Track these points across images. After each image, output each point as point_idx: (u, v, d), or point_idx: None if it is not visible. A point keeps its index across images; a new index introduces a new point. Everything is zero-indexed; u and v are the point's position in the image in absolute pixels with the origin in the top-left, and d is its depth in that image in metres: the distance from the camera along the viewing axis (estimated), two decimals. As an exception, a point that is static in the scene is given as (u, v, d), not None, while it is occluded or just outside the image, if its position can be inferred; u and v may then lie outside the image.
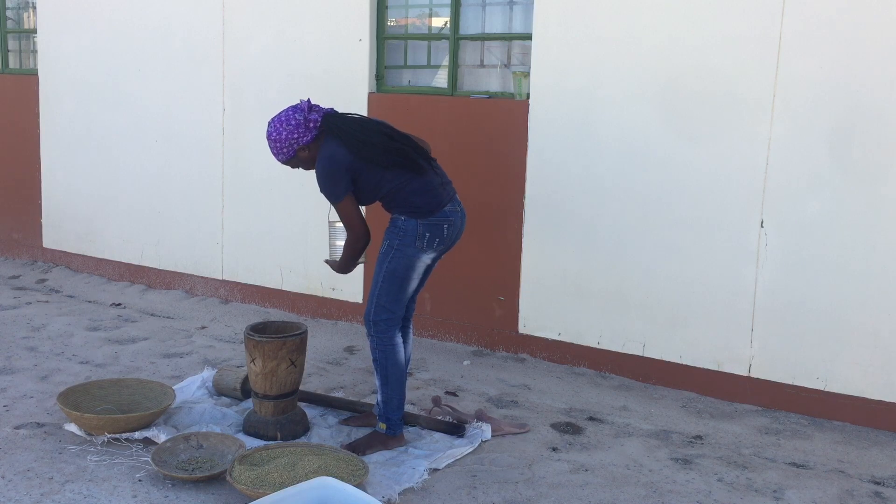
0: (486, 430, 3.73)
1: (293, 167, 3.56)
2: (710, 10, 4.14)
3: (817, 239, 4.01)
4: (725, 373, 4.29)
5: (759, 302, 4.17)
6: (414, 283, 3.55)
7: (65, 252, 6.60)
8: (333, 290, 5.37)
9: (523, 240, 4.75)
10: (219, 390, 4.09)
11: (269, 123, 3.47)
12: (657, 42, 4.27)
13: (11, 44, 6.99)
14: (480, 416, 3.83)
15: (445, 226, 3.48)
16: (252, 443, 3.52)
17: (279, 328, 3.77)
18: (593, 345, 4.62)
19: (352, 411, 3.92)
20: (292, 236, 5.48)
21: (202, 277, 5.92)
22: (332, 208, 3.46)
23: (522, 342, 4.83)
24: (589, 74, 4.46)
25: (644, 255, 4.42)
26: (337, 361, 4.74)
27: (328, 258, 3.73)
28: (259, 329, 3.71)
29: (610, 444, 3.74)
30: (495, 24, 4.98)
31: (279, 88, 5.33)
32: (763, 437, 3.86)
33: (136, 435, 3.54)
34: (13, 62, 7.00)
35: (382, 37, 5.15)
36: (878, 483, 3.44)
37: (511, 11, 4.92)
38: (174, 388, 3.96)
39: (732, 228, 4.19)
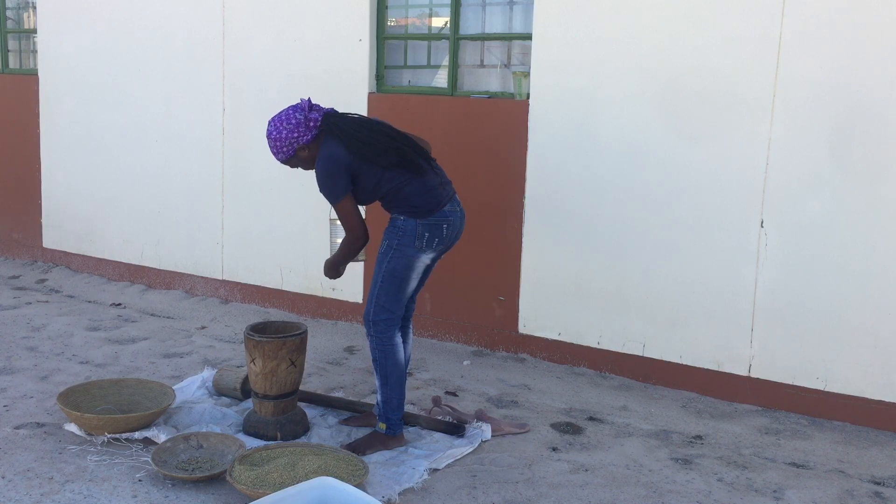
0: (486, 430, 3.73)
1: (292, 167, 3.56)
2: (710, 10, 4.14)
3: (817, 239, 4.01)
4: (725, 373, 4.29)
5: (759, 302, 4.17)
6: (413, 283, 3.55)
7: (65, 252, 6.60)
8: (333, 290, 5.37)
9: (523, 240, 4.75)
10: (219, 390, 4.09)
11: (270, 122, 3.47)
12: (657, 42, 4.27)
13: (11, 44, 6.99)
14: (480, 416, 3.83)
15: (445, 226, 3.48)
16: (252, 443, 3.52)
17: (279, 328, 3.77)
18: (593, 345, 4.62)
19: (352, 411, 3.92)
20: (292, 236, 5.48)
21: (202, 277, 5.92)
22: None
23: (522, 342, 4.83)
24: (589, 74, 4.46)
25: (644, 255, 4.42)
26: (337, 361, 4.74)
27: (327, 259, 3.72)
28: (259, 329, 3.71)
29: (610, 444, 3.74)
30: (495, 24, 4.98)
31: (279, 88, 5.33)
32: (763, 437, 3.86)
33: (136, 435, 3.54)
34: (13, 62, 7.00)
35: (382, 37, 5.15)
36: (878, 483, 3.44)
37: (511, 11, 4.92)
38: (174, 388, 3.96)
39: (732, 228, 4.19)
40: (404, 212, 3.46)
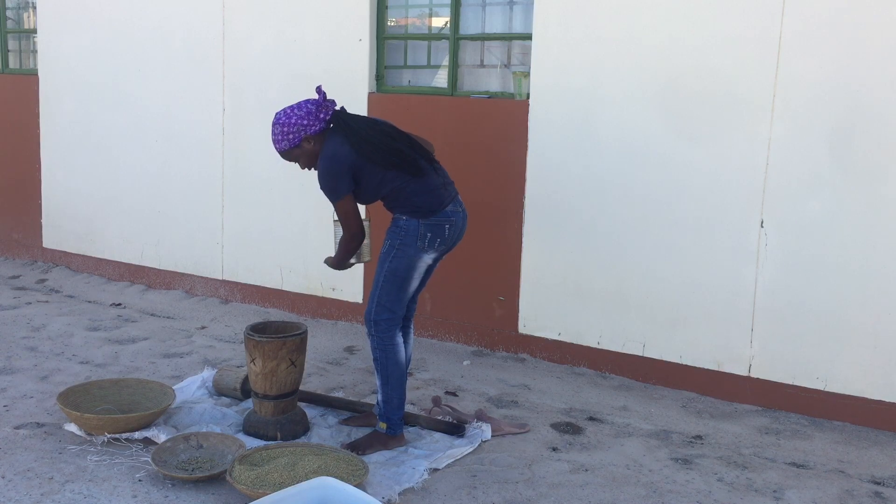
0: (486, 430, 3.73)
1: (291, 160, 3.51)
2: (710, 10, 4.14)
3: (817, 239, 4.01)
4: (725, 373, 4.29)
5: (759, 302, 4.17)
6: (415, 283, 3.55)
7: (65, 252, 6.60)
8: (333, 290, 5.37)
9: (523, 240, 4.75)
10: (219, 390, 4.09)
11: (280, 110, 3.45)
12: (657, 42, 4.27)
13: (11, 44, 6.99)
14: (480, 416, 3.83)
15: (447, 226, 3.48)
16: (252, 443, 3.52)
17: (279, 328, 3.77)
18: (593, 345, 4.62)
19: (352, 411, 3.92)
20: (292, 236, 5.48)
21: (202, 277, 5.92)
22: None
23: (522, 342, 4.83)
24: (589, 74, 4.46)
25: (644, 255, 4.42)
26: (337, 361, 4.74)
27: (328, 257, 3.72)
28: (259, 329, 3.71)
29: (610, 444, 3.74)
30: (495, 24, 4.98)
31: (279, 88, 5.33)
32: (763, 437, 3.86)
33: (136, 435, 3.54)
34: (13, 62, 7.00)
35: (382, 37, 5.15)
36: (878, 483, 3.44)
37: (511, 11, 4.92)
38: (174, 388, 3.96)
39: (732, 228, 4.19)
40: (407, 212, 3.46)
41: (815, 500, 3.28)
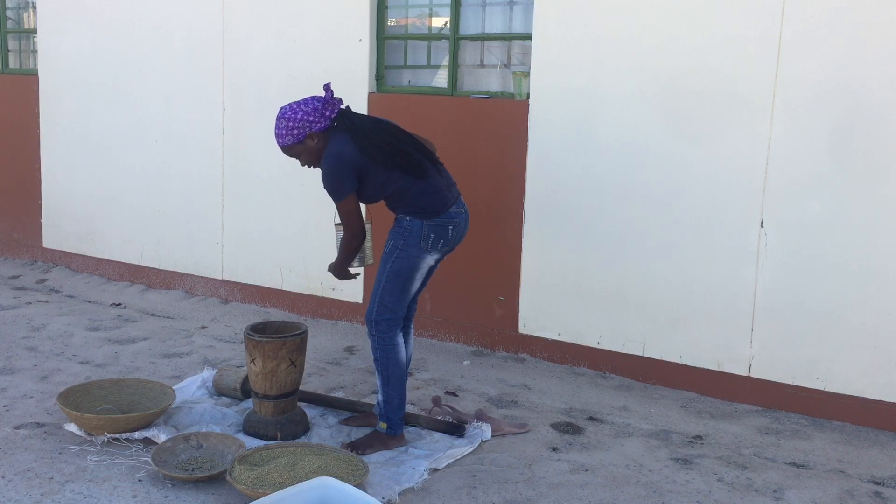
0: (486, 430, 3.73)
1: (293, 155, 3.48)
2: (710, 10, 4.14)
3: (817, 239, 4.01)
4: (725, 373, 4.29)
5: (759, 302, 4.17)
6: (417, 284, 3.55)
7: (65, 252, 6.60)
8: (333, 290, 5.37)
9: (523, 240, 4.75)
10: (219, 390, 4.09)
11: (286, 105, 3.43)
12: (657, 42, 4.27)
13: (11, 44, 6.99)
14: (480, 416, 3.83)
15: (450, 227, 3.48)
16: (252, 443, 3.52)
17: (279, 328, 3.77)
18: (593, 345, 4.62)
19: (352, 411, 3.92)
20: (292, 236, 5.48)
21: (202, 277, 5.92)
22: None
23: (522, 342, 4.83)
24: (589, 74, 4.46)
25: (644, 255, 4.42)
26: (337, 361, 4.74)
27: (331, 263, 3.70)
28: (259, 329, 3.71)
29: (610, 444, 3.74)
30: (495, 24, 4.98)
31: (279, 88, 5.33)
32: (763, 437, 3.86)
33: (136, 435, 3.54)
34: (13, 62, 7.00)
35: (382, 37, 5.15)
36: (878, 483, 3.44)
37: (511, 11, 4.92)
38: (174, 388, 3.96)
39: (732, 228, 4.19)
40: (410, 212, 3.46)
41: (815, 500, 3.28)
